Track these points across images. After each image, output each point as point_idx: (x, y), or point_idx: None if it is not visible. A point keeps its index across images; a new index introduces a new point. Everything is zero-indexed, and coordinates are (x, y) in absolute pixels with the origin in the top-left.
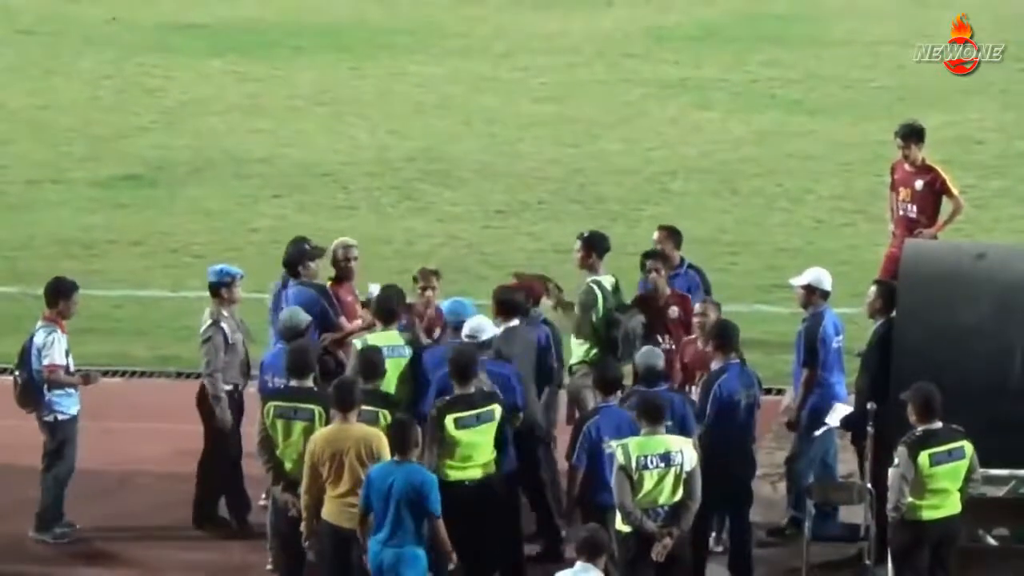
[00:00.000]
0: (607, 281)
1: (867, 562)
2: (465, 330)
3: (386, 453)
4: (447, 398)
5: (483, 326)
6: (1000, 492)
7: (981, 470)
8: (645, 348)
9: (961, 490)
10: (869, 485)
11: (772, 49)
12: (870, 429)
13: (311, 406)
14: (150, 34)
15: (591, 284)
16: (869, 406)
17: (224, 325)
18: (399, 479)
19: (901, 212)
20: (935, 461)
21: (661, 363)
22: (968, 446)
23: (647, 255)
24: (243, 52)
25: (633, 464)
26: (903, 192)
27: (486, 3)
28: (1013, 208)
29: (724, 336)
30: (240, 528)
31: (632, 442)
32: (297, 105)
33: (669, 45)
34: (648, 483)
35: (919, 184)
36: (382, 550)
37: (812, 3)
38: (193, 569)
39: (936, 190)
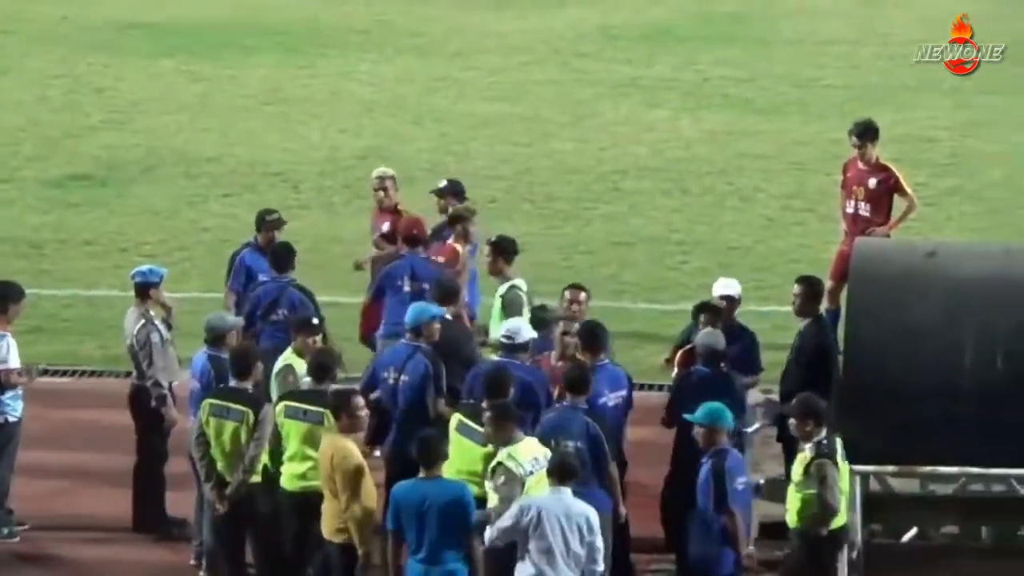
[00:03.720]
0: (521, 283)
1: None
2: (502, 331)
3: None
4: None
5: (520, 328)
6: (950, 490)
7: (929, 467)
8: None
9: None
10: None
11: (723, 48)
12: None
13: (242, 408)
14: (100, 33)
15: (513, 288)
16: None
17: (157, 323)
18: (434, 495)
19: (854, 210)
20: (842, 462)
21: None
22: (841, 444)
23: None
24: (193, 52)
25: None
26: (856, 191)
27: (438, 3)
28: (964, 206)
29: (592, 337)
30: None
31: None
32: (247, 104)
33: (620, 44)
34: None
35: (873, 182)
36: (426, 570)
37: (763, 2)
38: (139, 570)
39: (890, 188)
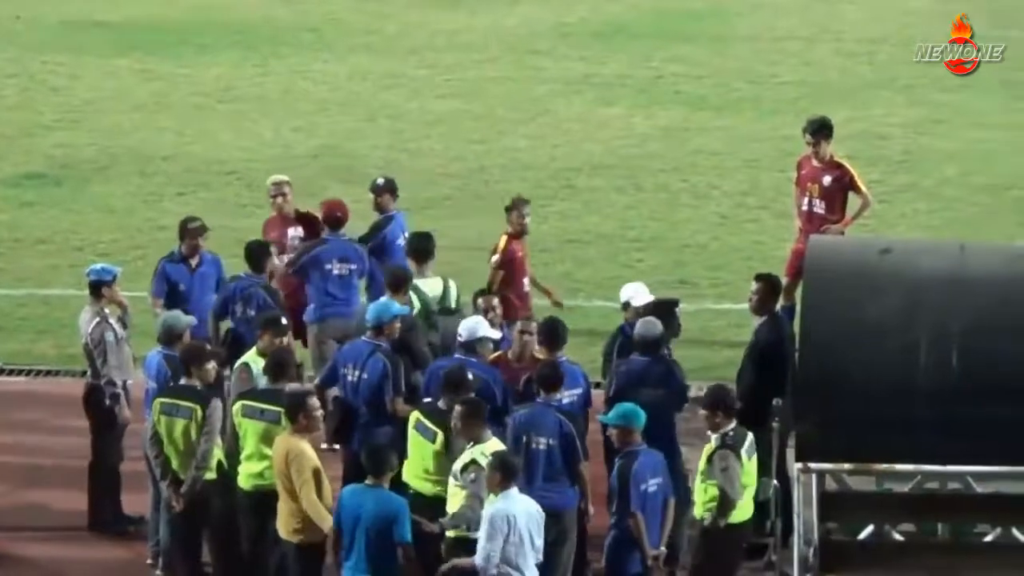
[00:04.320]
0: (426, 284)
1: (773, 558)
2: (462, 332)
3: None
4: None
5: (475, 327)
6: (906, 487)
7: (885, 465)
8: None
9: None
10: (775, 481)
11: (677, 45)
12: (775, 424)
13: (191, 404)
14: (55, 32)
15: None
16: (775, 402)
17: (111, 322)
18: (369, 505)
19: (808, 208)
20: (748, 456)
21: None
22: (752, 438)
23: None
24: (148, 50)
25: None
26: (811, 188)
27: (392, 0)
28: (918, 203)
29: (551, 333)
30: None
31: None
32: (202, 103)
33: (574, 42)
34: None
35: (827, 180)
36: None
37: None
38: (96, 569)
39: (844, 186)
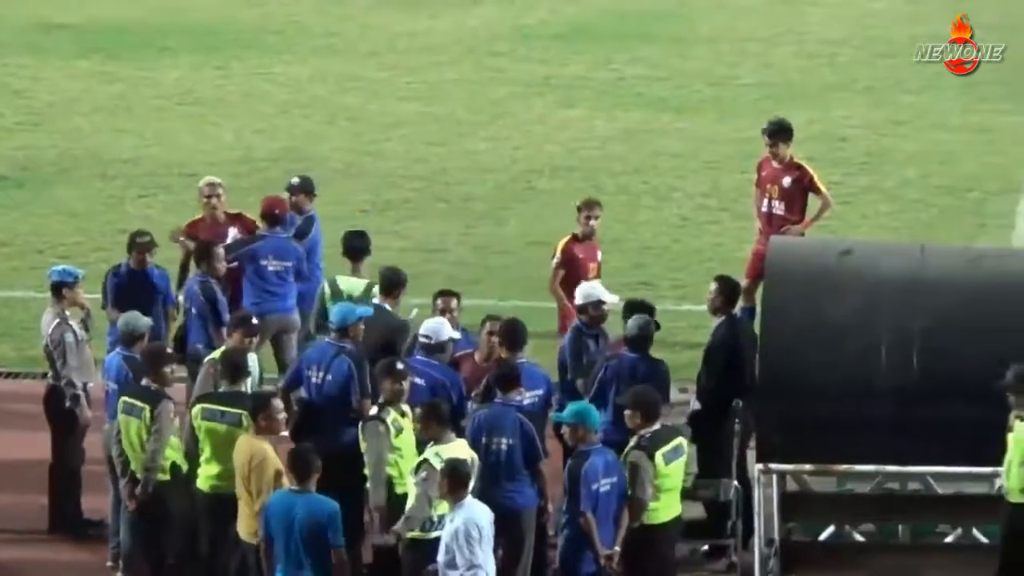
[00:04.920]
0: (347, 282)
1: (734, 559)
2: (428, 334)
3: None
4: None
5: (438, 328)
6: (866, 488)
7: (845, 466)
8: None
9: (682, 490)
10: (736, 482)
11: (638, 47)
12: (737, 426)
13: (143, 404)
14: (16, 34)
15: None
16: (735, 403)
17: (72, 324)
18: (300, 510)
19: (768, 209)
20: (668, 459)
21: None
22: (684, 442)
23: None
24: (110, 53)
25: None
26: (771, 189)
27: (352, 3)
28: (879, 205)
29: (512, 334)
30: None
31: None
32: (163, 105)
33: (535, 44)
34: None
35: (787, 181)
36: None
37: (678, 0)
38: (56, 571)
39: (804, 187)
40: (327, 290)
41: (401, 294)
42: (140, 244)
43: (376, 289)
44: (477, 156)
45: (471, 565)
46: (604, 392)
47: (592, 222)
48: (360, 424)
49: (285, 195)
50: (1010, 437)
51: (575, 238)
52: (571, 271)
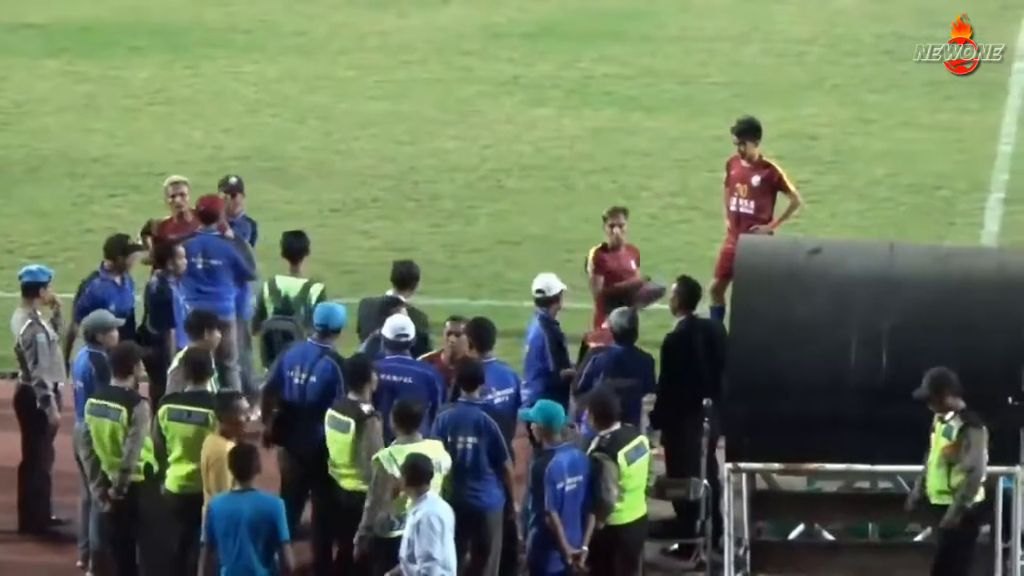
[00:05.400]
0: (285, 282)
1: (703, 558)
2: (387, 331)
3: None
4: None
5: (406, 326)
6: (835, 487)
7: (815, 465)
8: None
9: (647, 489)
10: (705, 482)
11: (607, 45)
12: (706, 425)
13: (118, 406)
14: None
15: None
16: (705, 402)
17: (44, 324)
18: (246, 509)
19: (737, 208)
20: (630, 459)
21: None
22: (645, 441)
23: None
24: (78, 52)
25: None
26: (740, 188)
27: (321, 2)
28: (848, 203)
29: (481, 333)
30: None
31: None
32: (133, 105)
33: (504, 42)
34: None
35: (756, 180)
36: None
37: None
38: (26, 571)
39: (773, 186)
40: (265, 290)
41: (415, 287)
42: (132, 247)
43: (315, 294)
44: (446, 155)
45: (428, 557)
46: (591, 384)
47: (616, 230)
48: (354, 423)
49: (222, 194)
50: (932, 438)
51: (604, 248)
52: (609, 281)
